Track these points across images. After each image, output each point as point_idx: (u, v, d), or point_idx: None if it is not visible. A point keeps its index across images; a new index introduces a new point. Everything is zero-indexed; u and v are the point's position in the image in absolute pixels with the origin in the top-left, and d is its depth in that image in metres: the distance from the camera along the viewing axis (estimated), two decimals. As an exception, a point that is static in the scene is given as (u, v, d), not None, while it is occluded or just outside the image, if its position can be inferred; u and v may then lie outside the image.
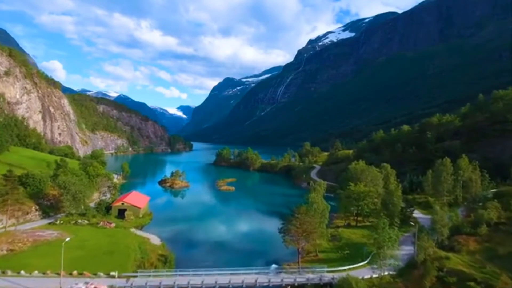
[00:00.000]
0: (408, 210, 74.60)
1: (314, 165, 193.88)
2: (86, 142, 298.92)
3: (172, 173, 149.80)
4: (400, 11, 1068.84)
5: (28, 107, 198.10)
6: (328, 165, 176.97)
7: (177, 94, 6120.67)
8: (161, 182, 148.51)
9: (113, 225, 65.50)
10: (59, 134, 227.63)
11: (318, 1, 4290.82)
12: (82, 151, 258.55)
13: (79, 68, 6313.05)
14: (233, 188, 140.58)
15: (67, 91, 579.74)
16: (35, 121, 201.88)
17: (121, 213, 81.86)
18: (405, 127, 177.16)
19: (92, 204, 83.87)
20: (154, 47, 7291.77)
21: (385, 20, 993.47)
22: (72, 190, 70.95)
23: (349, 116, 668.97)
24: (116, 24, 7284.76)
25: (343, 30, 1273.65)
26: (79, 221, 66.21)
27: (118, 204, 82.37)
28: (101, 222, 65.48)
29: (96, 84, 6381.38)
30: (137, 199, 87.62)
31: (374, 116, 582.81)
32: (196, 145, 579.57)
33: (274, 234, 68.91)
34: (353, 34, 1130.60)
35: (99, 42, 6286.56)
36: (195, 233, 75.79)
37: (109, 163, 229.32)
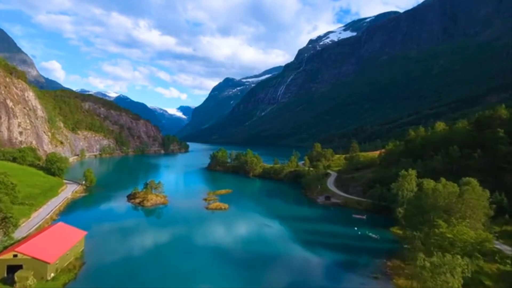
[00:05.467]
0: None
1: (329, 171, 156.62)
2: (61, 143, 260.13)
3: (146, 184, 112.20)
4: (400, 10, 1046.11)
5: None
6: (349, 172, 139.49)
7: (176, 94, 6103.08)
8: (130, 197, 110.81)
9: None
10: (20, 133, 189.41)
11: (318, 0, 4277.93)
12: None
13: (78, 68, 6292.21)
14: (227, 206, 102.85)
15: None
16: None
17: (12, 272, 44.50)
18: (452, 123, 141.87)
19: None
20: (153, 46, 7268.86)
21: (387, 19, 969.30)
22: None
23: (352, 117, 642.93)
24: (114, 23, 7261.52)
25: (344, 30, 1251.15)
26: None
27: (6, 256, 44.78)
28: None
29: (95, 84, 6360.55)
30: (52, 242, 49.32)
31: (378, 116, 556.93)
32: (194, 146, 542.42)
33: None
34: (354, 34, 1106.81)
35: (97, 42, 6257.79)
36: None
37: (91, 167, 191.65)
